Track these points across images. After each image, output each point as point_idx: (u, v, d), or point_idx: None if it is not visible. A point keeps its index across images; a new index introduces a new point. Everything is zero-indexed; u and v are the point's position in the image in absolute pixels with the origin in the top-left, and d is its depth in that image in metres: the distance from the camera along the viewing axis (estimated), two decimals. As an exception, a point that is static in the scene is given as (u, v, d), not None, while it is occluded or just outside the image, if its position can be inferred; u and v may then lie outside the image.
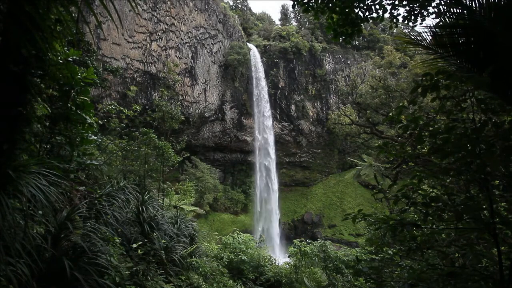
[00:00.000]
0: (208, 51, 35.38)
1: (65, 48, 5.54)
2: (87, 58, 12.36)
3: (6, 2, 2.94)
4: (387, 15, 5.25)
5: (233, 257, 11.92)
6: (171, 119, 21.62)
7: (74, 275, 4.04)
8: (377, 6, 5.12)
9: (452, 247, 3.47)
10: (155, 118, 22.13)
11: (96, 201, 6.01)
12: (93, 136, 6.40)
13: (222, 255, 11.98)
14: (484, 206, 3.04)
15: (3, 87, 3.09)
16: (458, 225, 3.04)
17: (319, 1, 5.13)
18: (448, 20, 3.54)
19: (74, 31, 4.93)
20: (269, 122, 41.54)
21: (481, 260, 3.33)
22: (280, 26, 50.19)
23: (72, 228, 4.56)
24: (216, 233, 17.96)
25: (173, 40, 31.21)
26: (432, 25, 3.64)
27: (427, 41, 3.59)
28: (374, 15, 5.20)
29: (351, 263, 9.40)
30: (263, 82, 41.31)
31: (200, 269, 8.79)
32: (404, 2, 4.90)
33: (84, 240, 4.61)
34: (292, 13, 56.39)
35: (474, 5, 3.22)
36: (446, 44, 3.51)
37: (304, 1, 5.22)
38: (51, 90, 5.06)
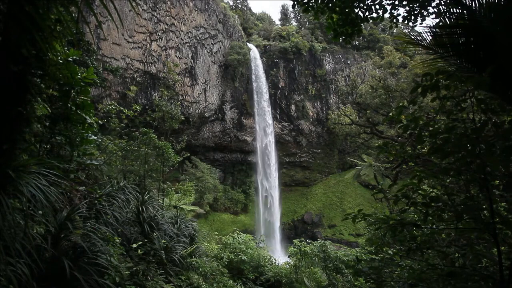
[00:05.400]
0: (208, 51, 35.37)
1: (65, 48, 5.54)
2: (87, 58, 12.36)
3: (6, 2, 2.94)
4: (387, 15, 5.26)
5: (233, 257, 11.91)
6: (171, 119, 21.62)
7: (74, 275, 4.04)
8: (377, 6, 5.12)
9: (452, 247, 3.47)
10: (155, 118, 22.13)
11: (96, 201, 6.01)
12: (93, 136, 6.40)
13: (222, 255, 11.98)
14: (484, 206, 3.04)
15: (3, 87, 3.09)
16: (458, 225, 3.04)
17: (319, 1, 5.13)
18: (448, 20, 3.54)
19: (74, 31, 4.93)
20: (269, 122, 41.54)
21: (481, 260, 3.33)
22: (280, 26, 50.19)
23: (72, 228, 4.56)
24: (216, 233, 17.95)
25: (173, 40, 31.20)
26: (432, 25, 3.65)
27: (427, 41, 3.60)
28: (374, 15, 5.20)
29: (351, 263, 9.39)
30: (263, 82, 41.30)
31: (200, 269, 8.79)
32: (404, 2, 4.90)
33: (84, 240, 4.61)
34: (292, 13, 56.42)
35: (474, 5, 3.22)
36: (446, 44, 3.51)
37: (304, 1, 5.22)
38: (51, 90, 5.06)
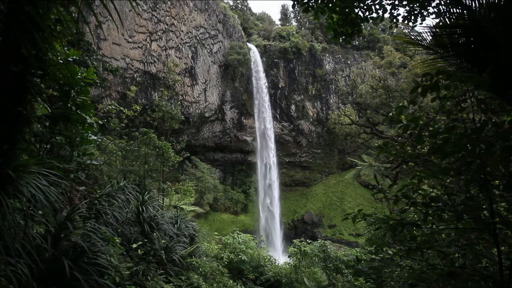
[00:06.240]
0: (208, 51, 35.36)
1: (65, 48, 5.54)
2: (87, 58, 12.34)
3: (6, 2, 2.94)
4: (387, 15, 5.25)
5: (233, 257, 11.92)
6: (171, 119, 21.57)
7: (74, 275, 4.04)
8: (377, 6, 5.12)
9: (452, 247, 3.47)
10: (155, 118, 22.10)
11: (96, 201, 6.01)
12: (93, 136, 6.40)
13: (222, 255, 11.98)
14: (484, 206, 3.03)
15: (3, 87, 3.09)
16: (458, 225, 3.04)
17: (319, 1, 5.13)
18: (448, 20, 3.54)
19: (74, 31, 4.93)
20: (269, 122, 41.53)
21: (481, 260, 3.33)
22: (280, 26, 50.19)
23: (72, 228, 4.56)
24: (216, 233, 17.96)
25: (173, 40, 31.19)
26: (432, 25, 3.65)
27: (427, 41, 3.59)
28: (374, 15, 5.20)
29: (351, 263, 9.40)
30: (263, 82, 41.28)
31: (200, 269, 8.79)
32: (404, 2, 4.90)
33: (84, 240, 4.60)
34: (292, 13, 56.43)
35: (474, 5, 3.22)
36: (446, 44, 3.50)
37: (304, 1, 5.21)
38: (51, 90, 5.06)
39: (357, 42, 50.00)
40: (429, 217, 3.22)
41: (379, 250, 4.08)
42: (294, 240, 13.48)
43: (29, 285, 3.37)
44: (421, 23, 4.96)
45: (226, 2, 44.82)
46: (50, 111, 4.93)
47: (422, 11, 4.82)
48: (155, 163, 13.83)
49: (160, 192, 13.58)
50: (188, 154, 21.63)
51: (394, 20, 5.27)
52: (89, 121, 5.74)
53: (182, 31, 31.98)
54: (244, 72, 39.07)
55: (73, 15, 5.83)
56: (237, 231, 14.32)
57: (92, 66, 11.10)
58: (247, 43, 41.31)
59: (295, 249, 12.86)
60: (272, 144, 41.61)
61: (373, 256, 4.40)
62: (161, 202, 12.59)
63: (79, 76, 5.29)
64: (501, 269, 2.79)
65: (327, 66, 45.42)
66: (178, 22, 31.53)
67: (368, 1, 5.06)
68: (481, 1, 3.17)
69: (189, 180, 25.41)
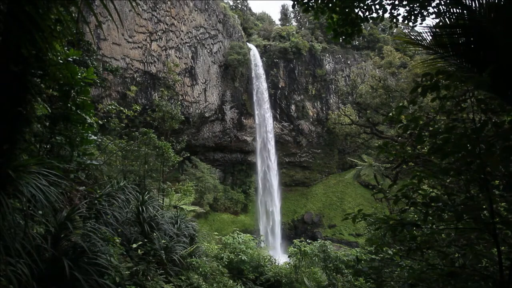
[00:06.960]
0: (208, 51, 35.36)
1: (65, 48, 5.54)
2: (87, 58, 12.33)
3: (6, 2, 2.94)
4: (387, 15, 5.25)
5: (233, 257, 11.92)
6: (171, 119, 21.59)
7: (74, 275, 4.04)
8: (377, 6, 5.12)
9: (452, 247, 3.47)
10: (155, 118, 22.12)
11: (96, 201, 6.01)
12: (93, 136, 6.40)
13: (222, 255, 11.98)
14: (484, 206, 3.03)
15: (3, 87, 3.09)
16: (458, 225, 3.04)
17: (319, 1, 5.13)
18: (448, 20, 3.54)
19: (74, 31, 4.93)
20: (269, 122, 41.53)
21: (481, 260, 3.33)
22: (280, 26, 50.19)
23: (72, 228, 4.56)
24: (216, 233, 17.96)
25: (173, 40, 31.19)
26: (432, 25, 3.65)
27: (427, 41, 3.59)
28: (374, 15, 5.20)
29: (351, 263, 9.40)
30: (263, 82, 41.27)
31: (200, 269, 8.79)
32: (404, 2, 4.90)
33: (84, 240, 4.61)
34: (292, 13, 56.44)
35: (474, 5, 3.22)
36: (446, 44, 3.50)
37: (304, 1, 5.21)
38: (51, 90, 5.06)
39: (357, 42, 50.01)
40: (429, 217, 3.22)
41: (379, 250, 4.08)
42: (294, 240, 13.49)
43: (29, 285, 3.37)
44: (421, 23, 4.96)
45: (226, 2, 44.87)
46: (50, 111, 4.93)
47: (422, 11, 4.82)
48: (155, 163, 13.83)
49: (160, 192, 13.58)
50: (188, 154, 21.65)
51: (394, 20, 5.27)
52: (89, 121, 5.74)
53: (182, 31, 31.98)
54: (244, 72, 39.07)
55: (73, 15, 5.83)
56: (237, 231, 14.32)
57: (92, 66, 11.10)
58: (247, 43, 41.31)
59: (295, 249, 12.86)
60: (272, 144, 41.61)
61: (373, 256, 4.40)
62: (161, 202, 12.59)
63: (79, 76, 5.29)
64: (501, 269, 2.79)
65: (327, 66, 45.42)
66: (178, 22, 31.53)
67: (368, 1, 5.06)
68: (481, 1, 3.17)
69: (189, 180, 25.42)
